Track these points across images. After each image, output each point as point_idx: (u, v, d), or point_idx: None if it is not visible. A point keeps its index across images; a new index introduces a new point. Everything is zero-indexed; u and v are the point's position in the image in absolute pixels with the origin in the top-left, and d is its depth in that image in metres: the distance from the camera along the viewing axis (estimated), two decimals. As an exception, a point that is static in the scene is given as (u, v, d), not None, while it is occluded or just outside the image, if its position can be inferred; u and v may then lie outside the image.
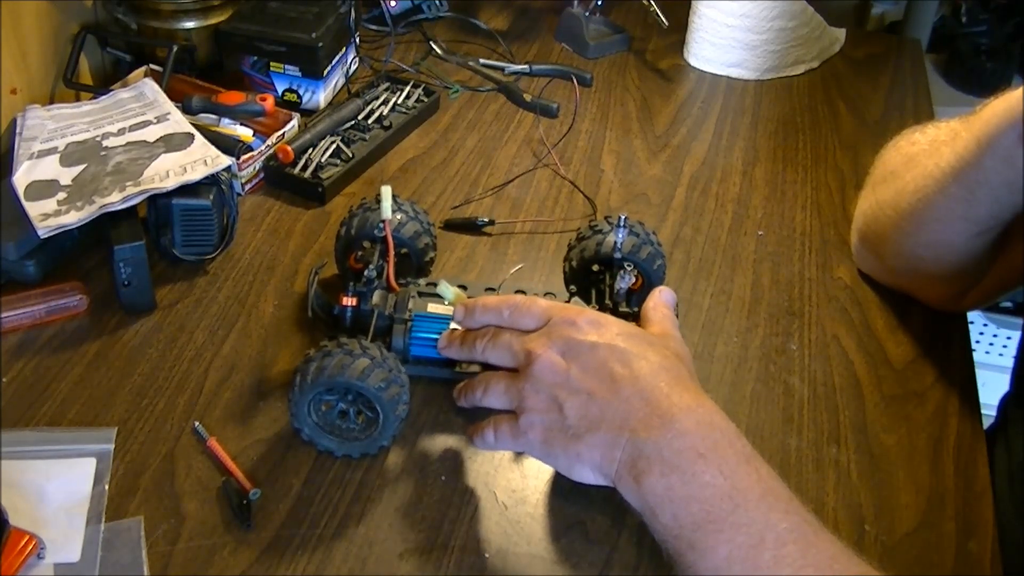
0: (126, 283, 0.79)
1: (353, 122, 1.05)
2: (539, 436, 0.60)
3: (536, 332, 0.62)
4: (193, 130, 0.90)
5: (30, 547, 0.61)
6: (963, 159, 0.71)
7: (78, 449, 0.69)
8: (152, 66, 1.05)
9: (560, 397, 0.59)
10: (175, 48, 1.04)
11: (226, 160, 0.86)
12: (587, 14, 1.27)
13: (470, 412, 0.71)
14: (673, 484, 0.55)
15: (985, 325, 1.88)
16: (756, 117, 1.16)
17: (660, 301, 0.68)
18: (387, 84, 1.13)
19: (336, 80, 1.13)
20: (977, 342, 1.88)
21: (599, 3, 1.28)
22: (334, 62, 1.10)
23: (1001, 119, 0.67)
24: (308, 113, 1.08)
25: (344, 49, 1.13)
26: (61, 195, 0.82)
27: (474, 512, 0.67)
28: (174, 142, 0.88)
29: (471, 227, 0.94)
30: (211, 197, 0.83)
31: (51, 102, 1.02)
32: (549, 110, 1.11)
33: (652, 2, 1.23)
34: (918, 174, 0.76)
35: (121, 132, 0.90)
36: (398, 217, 0.80)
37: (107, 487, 0.66)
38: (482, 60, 1.21)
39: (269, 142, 0.98)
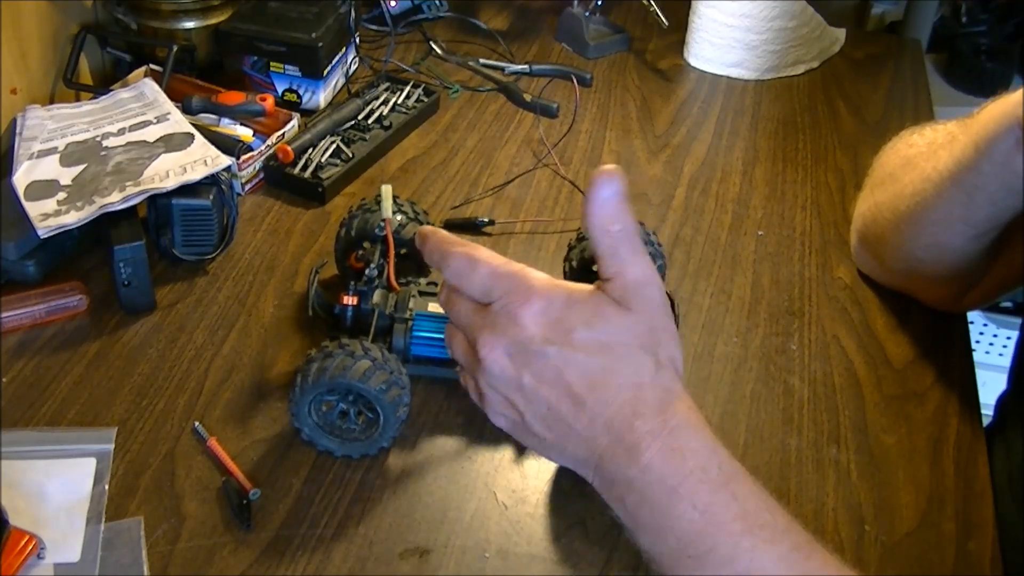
0: (126, 283, 0.79)
1: (353, 122, 1.05)
2: (508, 428, 0.57)
3: (482, 315, 0.55)
4: (193, 130, 0.90)
5: (30, 547, 0.61)
6: (961, 163, 0.71)
7: (78, 449, 0.69)
8: (152, 66, 1.05)
9: (518, 403, 0.55)
10: (175, 48, 1.04)
11: (226, 160, 0.86)
12: (587, 14, 1.27)
13: (470, 412, 0.72)
14: (645, 516, 0.52)
15: (985, 325, 1.88)
16: (756, 117, 1.16)
17: (639, 276, 0.53)
18: (387, 84, 1.13)
19: (336, 80, 1.13)
20: (977, 342, 1.88)
21: (599, 3, 1.28)
22: (334, 62, 1.10)
23: (999, 123, 0.67)
24: (308, 113, 1.08)
25: (344, 49, 1.13)
26: (61, 195, 0.82)
27: (474, 512, 0.67)
28: (174, 142, 0.88)
29: (471, 227, 0.94)
30: (211, 197, 0.83)
31: (51, 102, 1.02)
32: (549, 110, 1.11)
33: (652, 2, 1.23)
34: (916, 177, 0.76)
35: (121, 132, 0.90)
36: (398, 218, 0.80)
37: (107, 487, 0.66)
38: (482, 60, 1.21)
39: (269, 142, 0.98)
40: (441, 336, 0.71)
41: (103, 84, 1.07)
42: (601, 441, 0.53)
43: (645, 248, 0.54)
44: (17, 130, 0.90)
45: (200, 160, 0.85)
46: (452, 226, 0.94)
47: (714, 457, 0.52)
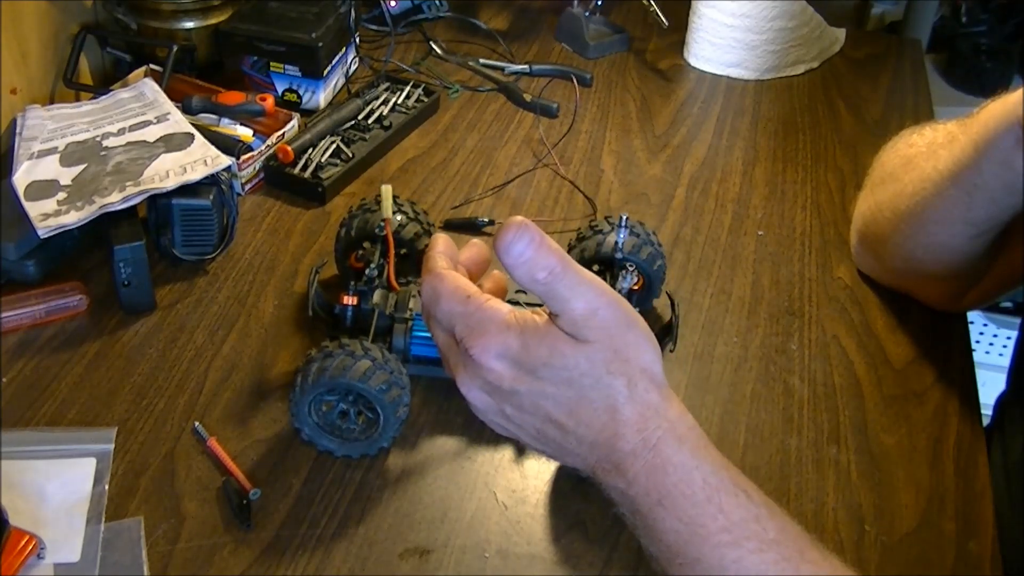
0: (126, 283, 0.79)
1: (353, 122, 1.05)
2: (503, 433, 0.57)
3: (455, 351, 0.55)
4: (193, 130, 0.90)
5: (30, 547, 0.61)
6: (961, 163, 0.71)
7: (78, 449, 0.69)
8: (152, 66, 1.05)
9: (508, 426, 0.55)
10: (175, 48, 1.04)
11: (226, 160, 0.86)
12: (587, 14, 1.27)
13: (470, 412, 0.71)
14: (638, 523, 0.53)
15: (985, 325, 1.88)
16: (756, 117, 1.16)
17: (584, 309, 0.51)
18: (387, 84, 1.13)
19: (336, 80, 1.13)
20: (977, 342, 1.88)
21: (599, 3, 1.28)
22: (334, 62, 1.10)
23: (998, 122, 0.67)
24: (308, 113, 1.08)
25: (344, 49, 1.13)
26: (61, 195, 0.82)
27: (474, 512, 0.67)
28: (174, 142, 0.88)
29: (471, 227, 0.94)
30: (211, 197, 0.83)
31: (51, 102, 1.02)
32: (549, 110, 1.11)
33: (652, 2, 1.23)
34: (916, 177, 0.76)
35: (121, 132, 0.90)
36: (398, 218, 0.80)
37: (107, 487, 0.66)
38: (482, 60, 1.21)
39: (269, 142, 0.98)
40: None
41: (103, 84, 1.07)
42: (590, 458, 0.54)
43: (581, 275, 0.51)
44: (17, 130, 0.90)
45: (200, 160, 0.85)
46: (452, 226, 0.94)
47: (697, 471, 0.52)
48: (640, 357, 0.52)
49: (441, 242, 0.58)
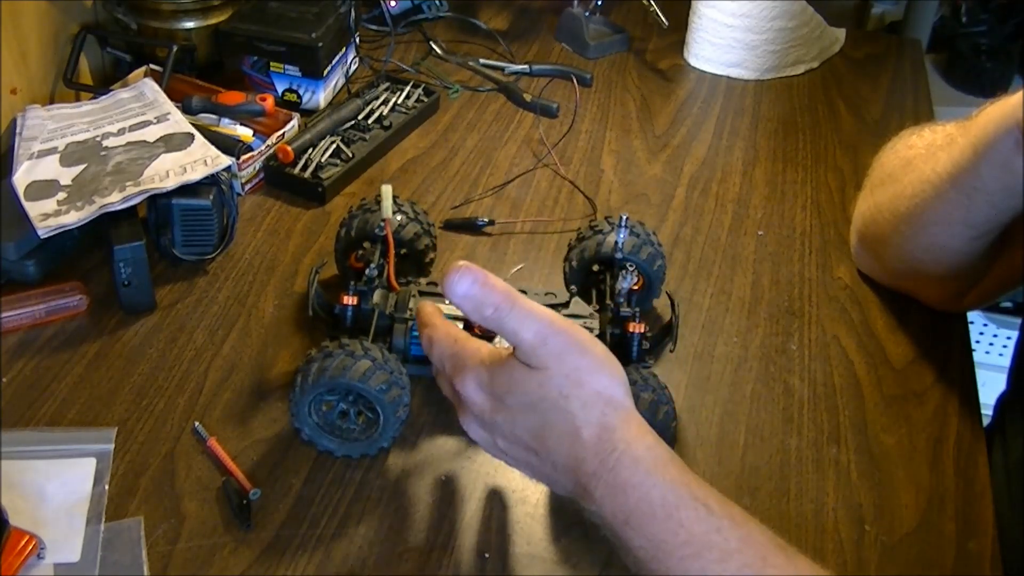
0: (126, 283, 0.79)
1: (353, 122, 1.05)
2: (513, 467, 0.61)
3: (452, 392, 0.60)
4: (193, 130, 0.90)
5: (30, 547, 0.61)
6: (960, 165, 0.71)
7: (78, 449, 0.69)
8: (152, 66, 1.05)
9: (508, 461, 0.60)
10: (175, 48, 1.04)
11: (226, 160, 0.86)
12: (587, 14, 1.27)
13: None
14: (614, 542, 0.55)
15: (985, 325, 1.88)
16: (756, 117, 1.16)
17: (533, 338, 0.54)
18: (387, 84, 1.13)
19: (336, 80, 1.13)
20: (977, 342, 1.88)
21: (599, 3, 1.28)
22: (334, 62, 1.10)
23: (998, 125, 0.67)
24: (308, 113, 1.08)
25: (344, 49, 1.13)
26: (61, 195, 0.82)
27: (474, 512, 0.67)
28: (174, 142, 0.88)
29: (471, 227, 0.94)
30: (211, 197, 0.83)
31: (51, 102, 1.02)
32: (549, 110, 1.11)
33: (652, 2, 1.23)
34: (915, 179, 0.76)
35: (121, 132, 0.90)
36: (398, 218, 0.80)
37: (107, 487, 0.66)
38: (482, 60, 1.21)
39: (269, 142, 0.98)
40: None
41: (103, 84, 1.07)
42: (567, 484, 0.56)
43: (528, 308, 0.54)
44: (17, 130, 0.90)
45: (200, 160, 0.85)
46: (452, 226, 0.94)
47: (655, 490, 0.53)
48: (595, 381, 0.55)
49: (429, 306, 0.64)
